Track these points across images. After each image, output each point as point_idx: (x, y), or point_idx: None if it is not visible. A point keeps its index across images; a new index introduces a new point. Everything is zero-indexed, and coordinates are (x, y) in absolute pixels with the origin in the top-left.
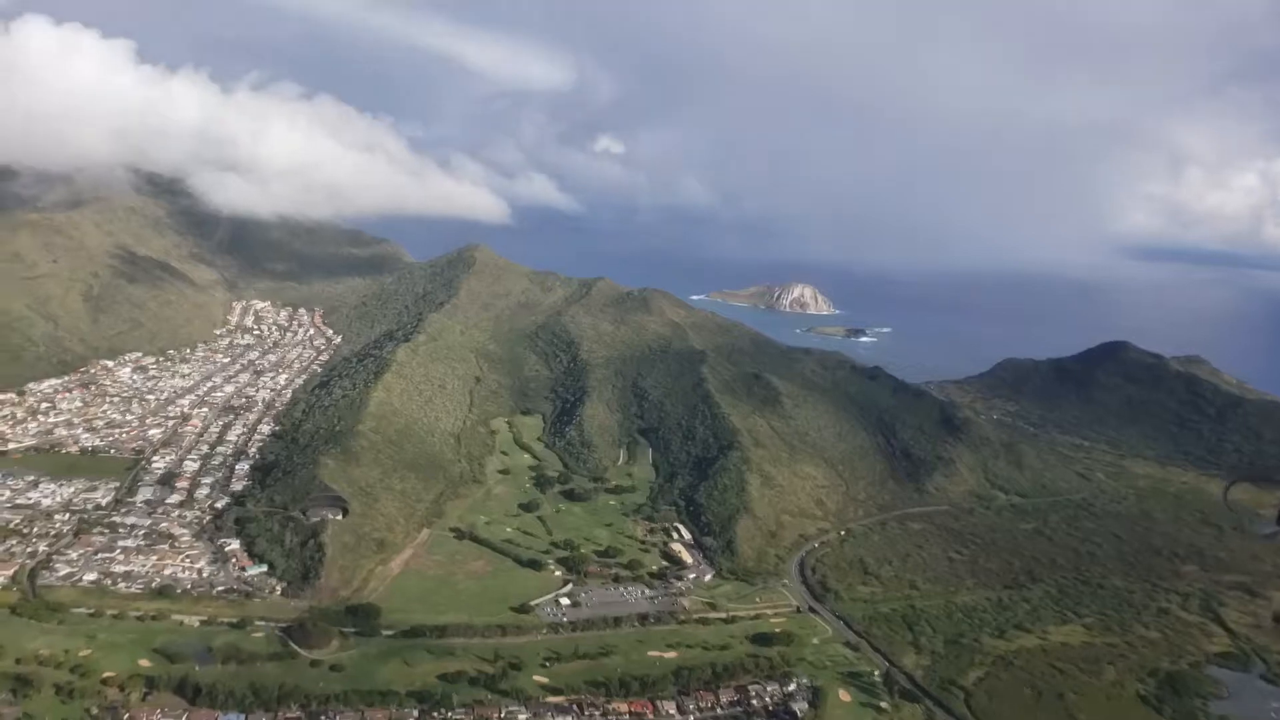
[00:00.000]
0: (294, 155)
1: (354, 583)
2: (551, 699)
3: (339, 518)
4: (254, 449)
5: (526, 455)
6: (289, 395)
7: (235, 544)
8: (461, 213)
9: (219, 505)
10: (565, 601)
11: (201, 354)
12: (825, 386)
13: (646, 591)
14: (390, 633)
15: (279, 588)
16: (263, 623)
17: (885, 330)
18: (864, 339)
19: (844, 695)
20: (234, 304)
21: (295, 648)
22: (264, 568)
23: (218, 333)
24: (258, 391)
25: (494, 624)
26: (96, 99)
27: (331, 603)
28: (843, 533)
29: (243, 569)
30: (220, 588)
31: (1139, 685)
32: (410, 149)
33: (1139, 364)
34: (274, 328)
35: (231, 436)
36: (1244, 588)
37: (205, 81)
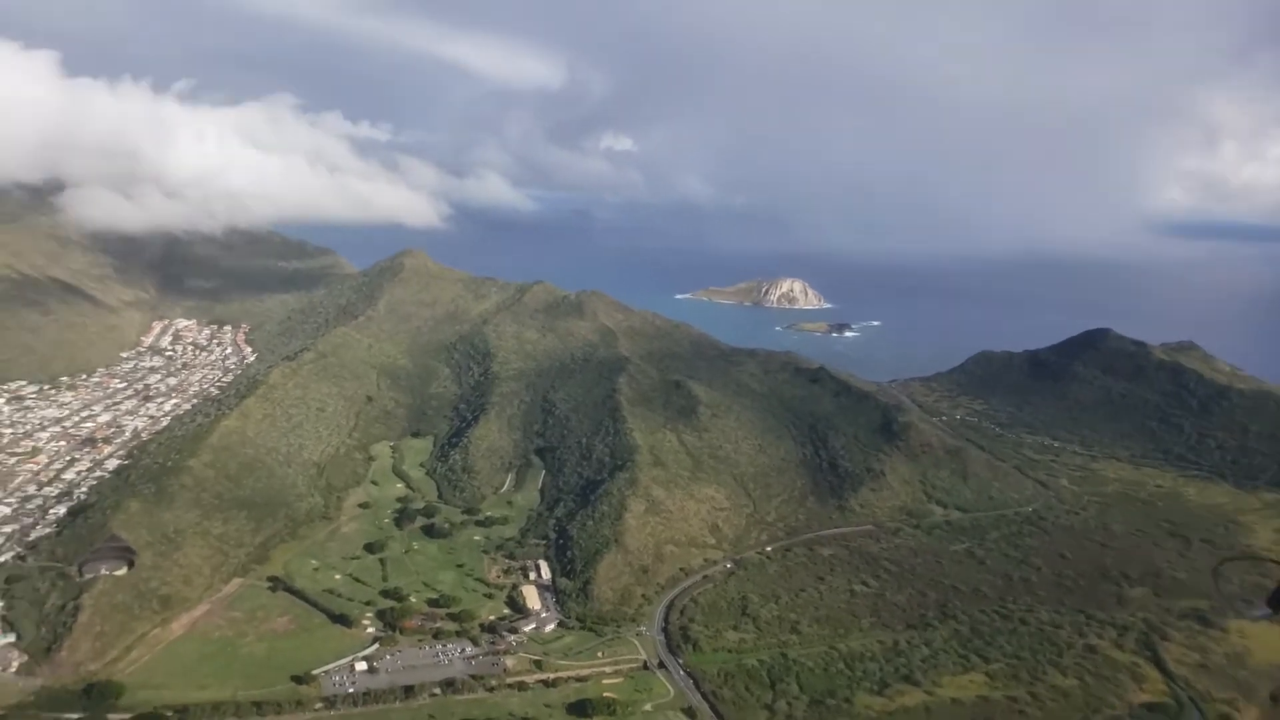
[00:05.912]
0: (214, 166)
1: (111, 652)
2: None
3: (121, 572)
4: (84, 489)
5: (401, 484)
6: (166, 423)
7: None
8: (405, 218)
9: (2, 560)
10: (361, 667)
11: (98, 379)
12: (760, 392)
13: (468, 650)
14: (123, 718)
15: (17, 663)
16: None
17: (874, 324)
18: (847, 334)
19: None
20: (154, 324)
21: None
22: (12, 638)
23: (124, 355)
24: (135, 420)
25: (257, 700)
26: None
27: (71, 680)
28: (729, 565)
29: None
30: None
31: None
32: (357, 154)
33: (1120, 353)
34: (190, 348)
35: (71, 474)
36: (1197, 615)
37: (144, 93)
